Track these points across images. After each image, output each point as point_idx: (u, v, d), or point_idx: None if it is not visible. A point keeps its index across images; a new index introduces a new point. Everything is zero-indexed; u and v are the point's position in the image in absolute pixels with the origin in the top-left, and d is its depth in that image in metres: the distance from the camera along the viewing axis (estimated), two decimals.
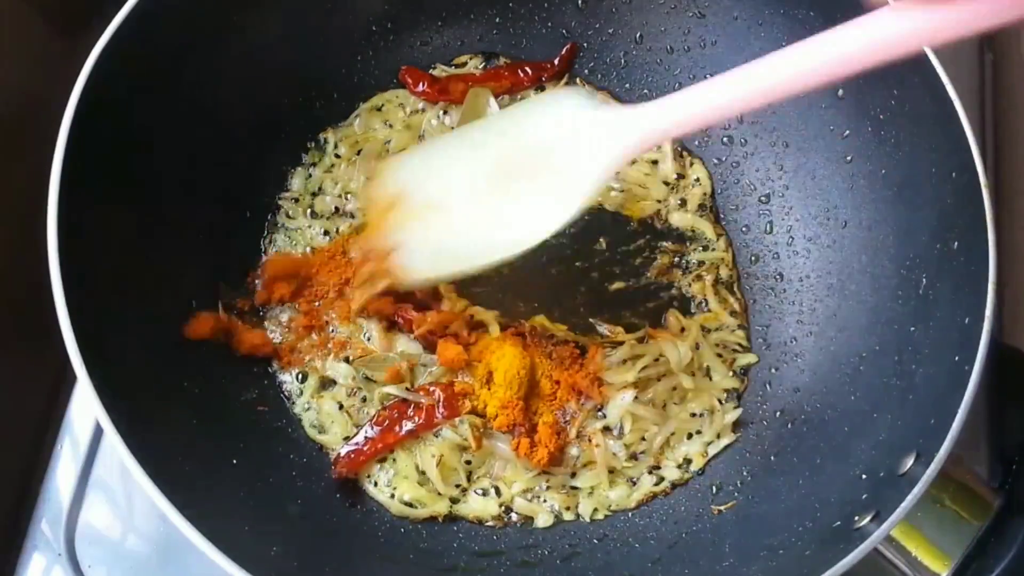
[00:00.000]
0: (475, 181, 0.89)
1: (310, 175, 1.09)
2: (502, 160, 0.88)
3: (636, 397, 0.98)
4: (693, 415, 1.01)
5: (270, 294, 1.02)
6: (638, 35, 1.12)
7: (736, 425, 1.01)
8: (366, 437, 0.97)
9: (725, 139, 1.11)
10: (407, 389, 0.99)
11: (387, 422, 0.97)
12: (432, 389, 0.98)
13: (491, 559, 0.94)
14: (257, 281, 1.03)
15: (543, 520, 0.96)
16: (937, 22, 0.61)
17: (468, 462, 0.97)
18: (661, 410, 1.00)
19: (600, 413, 0.99)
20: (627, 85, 1.13)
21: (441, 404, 0.97)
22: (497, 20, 1.13)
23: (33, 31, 1.12)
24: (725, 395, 1.02)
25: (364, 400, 1.00)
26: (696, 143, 1.12)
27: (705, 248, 1.09)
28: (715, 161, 1.12)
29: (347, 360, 1.00)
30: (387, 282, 0.95)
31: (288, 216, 1.07)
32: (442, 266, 0.92)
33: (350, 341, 1.01)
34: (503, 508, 0.97)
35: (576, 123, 0.84)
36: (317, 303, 1.02)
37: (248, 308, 1.01)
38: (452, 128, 1.11)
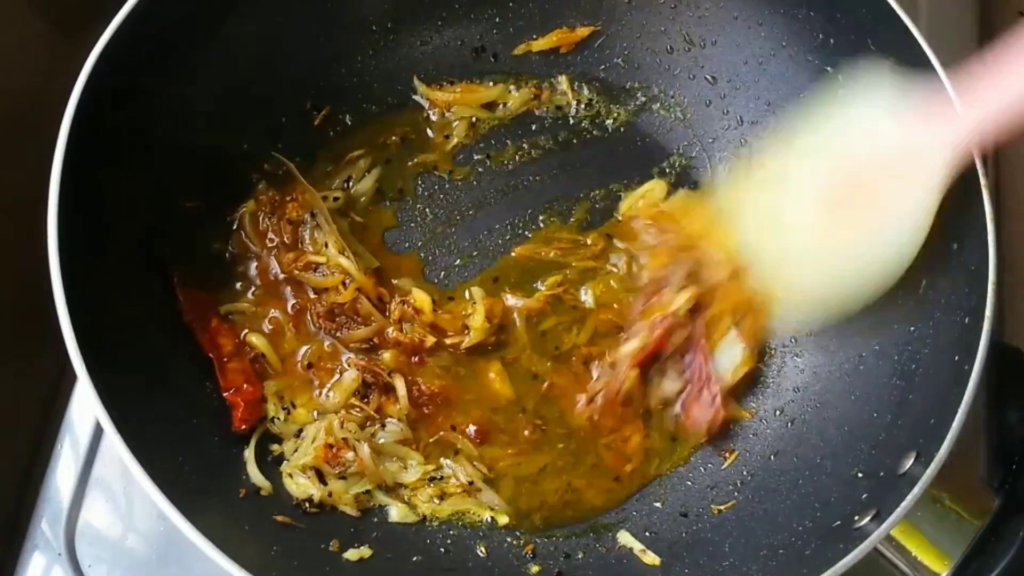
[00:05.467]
0: (808, 212, 0.88)
1: None
2: (827, 189, 0.86)
3: None
4: None
5: None
6: (638, 35, 1.12)
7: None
8: None
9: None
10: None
11: None
12: None
13: (494, 560, 0.94)
14: None
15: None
16: None
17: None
18: None
19: None
20: (627, 85, 1.13)
21: None
22: (497, 20, 1.13)
23: (33, 31, 1.12)
24: None
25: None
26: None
27: None
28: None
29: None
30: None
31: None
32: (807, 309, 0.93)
33: None
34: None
35: (889, 142, 0.82)
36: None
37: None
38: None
